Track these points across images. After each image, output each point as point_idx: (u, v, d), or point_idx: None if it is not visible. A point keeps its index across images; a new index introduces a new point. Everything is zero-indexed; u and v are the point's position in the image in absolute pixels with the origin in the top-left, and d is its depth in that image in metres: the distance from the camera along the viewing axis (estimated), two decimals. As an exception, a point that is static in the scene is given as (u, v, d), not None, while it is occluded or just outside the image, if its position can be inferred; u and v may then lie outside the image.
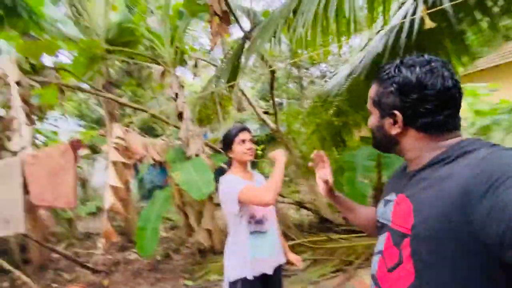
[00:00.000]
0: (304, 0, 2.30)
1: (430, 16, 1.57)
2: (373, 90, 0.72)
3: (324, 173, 0.94)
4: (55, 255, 3.47)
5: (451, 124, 0.63)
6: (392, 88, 0.65)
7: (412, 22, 2.39)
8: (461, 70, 2.95)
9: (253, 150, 1.39)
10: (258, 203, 1.27)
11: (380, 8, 2.35)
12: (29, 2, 2.88)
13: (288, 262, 1.50)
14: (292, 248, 1.99)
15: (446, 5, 1.60)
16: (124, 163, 1.87)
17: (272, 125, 4.13)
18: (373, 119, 0.73)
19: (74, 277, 3.22)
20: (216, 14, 2.70)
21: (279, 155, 1.31)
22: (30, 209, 1.96)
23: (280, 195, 4.24)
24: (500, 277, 0.51)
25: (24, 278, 2.78)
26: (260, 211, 1.37)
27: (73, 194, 1.71)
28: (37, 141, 3.93)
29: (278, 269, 1.42)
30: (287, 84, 10.37)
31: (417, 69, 0.62)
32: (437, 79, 0.61)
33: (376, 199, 3.49)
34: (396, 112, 0.65)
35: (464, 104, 0.69)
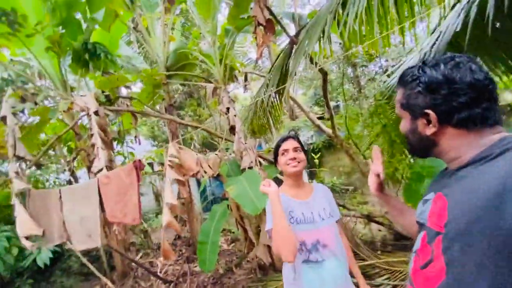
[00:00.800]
0: (354, -12, 2.05)
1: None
2: (399, 94, 0.71)
3: (377, 167, 0.91)
4: (134, 264, 3.86)
5: (491, 118, 0.61)
6: (420, 88, 0.64)
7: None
8: None
9: (298, 160, 1.22)
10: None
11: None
12: (107, 45, 3.43)
13: None
14: (363, 270, 1.69)
15: None
16: (179, 180, 1.93)
17: (328, 130, 3.81)
18: (405, 123, 0.72)
19: (149, 285, 3.51)
20: (260, 24, 2.67)
21: (266, 189, 1.08)
22: (109, 224, 2.19)
23: (345, 207, 3.83)
24: None
25: (110, 284, 3.15)
26: (312, 236, 1.15)
27: (138, 211, 1.84)
28: (118, 162, 4.57)
29: None
30: (343, 86, 9.73)
31: (441, 66, 0.61)
32: (465, 72, 0.60)
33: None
34: (428, 111, 0.63)
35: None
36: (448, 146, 0.65)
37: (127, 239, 3.54)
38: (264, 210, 2.22)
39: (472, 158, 0.60)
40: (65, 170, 4.66)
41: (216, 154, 2.45)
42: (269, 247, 2.85)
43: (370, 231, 3.63)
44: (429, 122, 0.65)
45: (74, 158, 3.89)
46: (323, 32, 2.32)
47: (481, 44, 2.52)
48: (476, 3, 2.24)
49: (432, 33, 3.09)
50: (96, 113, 2.31)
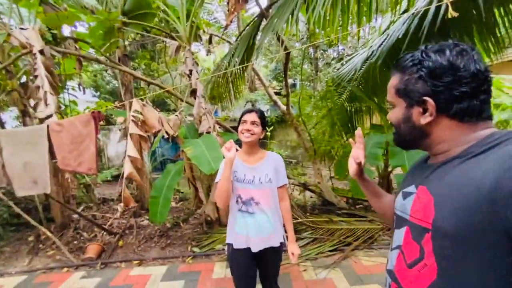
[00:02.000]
0: (326, -21, 2.21)
1: (458, 2, 1.50)
2: (395, 79, 0.66)
3: (358, 153, 0.88)
4: (75, 216, 3.77)
5: (486, 112, 0.59)
6: (422, 73, 0.60)
7: (438, 8, 2.28)
8: (487, 61, 2.83)
9: (252, 133, 1.41)
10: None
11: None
12: (49, -31, 2.90)
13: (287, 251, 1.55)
14: (294, 227, 2.11)
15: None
16: (141, 136, 1.98)
17: (283, 106, 4.13)
18: (397, 111, 0.67)
19: (92, 236, 3.53)
20: (233, -11, 2.64)
21: (226, 153, 1.33)
22: (55, 172, 2.12)
23: (287, 176, 4.35)
24: None
25: (48, 233, 3.08)
26: (247, 193, 1.43)
27: (95, 161, 1.85)
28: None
29: (272, 251, 1.47)
30: (302, 65, 10.13)
31: (447, 52, 0.58)
32: (469, 61, 0.57)
33: (381, 186, 3.55)
34: (427, 98, 0.59)
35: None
36: (440, 138, 0.62)
37: (70, 189, 3.39)
38: (216, 172, 2.45)
39: (460, 152, 0.58)
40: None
41: (176, 115, 2.50)
42: (216, 204, 3.15)
43: (304, 197, 4.27)
44: (425, 110, 0.61)
45: (1, 98, 3.38)
46: (292, 13, 2.47)
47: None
48: (418, 16, 2.67)
49: (382, 33, 3.52)
50: (41, 52, 2.06)
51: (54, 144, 1.85)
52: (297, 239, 3.06)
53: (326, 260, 2.76)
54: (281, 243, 1.51)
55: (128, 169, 1.79)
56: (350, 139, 0.94)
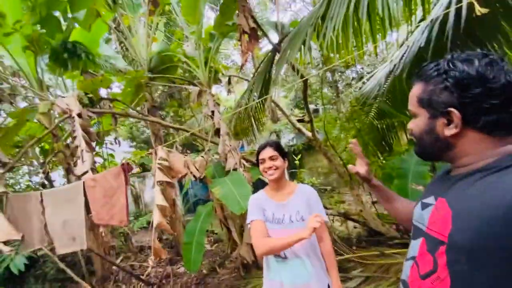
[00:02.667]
0: (333, 5, 2.24)
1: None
2: (418, 89, 0.64)
3: (357, 163, 0.90)
4: (114, 268, 3.80)
5: None
6: (448, 84, 0.57)
7: (458, 9, 2.14)
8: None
9: (274, 168, 1.32)
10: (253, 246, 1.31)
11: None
12: (87, 44, 3.36)
13: None
14: (340, 264, 1.85)
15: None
16: (168, 183, 1.99)
17: (308, 133, 4.02)
18: (420, 122, 0.65)
19: (131, 288, 3.47)
20: (244, 32, 2.79)
21: (311, 225, 1.12)
22: (92, 227, 2.18)
23: (323, 206, 4.05)
24: None
25: (90, 288, 3.09)
26: (277, 235, 1.29)
27: (125, 213, 1.87)
28: (97, 163, 4.45)
29: None
30: (321, 90, 10.13)
31: (476, 62, 0.55)
32: (499, 72, 0.54)
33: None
34: (453, 109, 0.57)
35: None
36: (466, 151, 0.59)
37: (107, 242, 3.48)
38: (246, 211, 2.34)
39: (482, 166, 0.56)
40: (38, 172, 4.46)
41: (202, 156, 2.52)
42: (252, 246, 2.96)
43: (347, 228, 3.88)
44: (449, 122, 0.59)
45: (49, 160, 3.75)
46: (304, 42, 2.50)
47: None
48: (438, 23, 2.54)
49: (401, 46, 3.40)
50: (79, 115, 2.29)
51: (89, 199, 1.93)
52: (346, 279, 2.68)
53: (385, 305, 2.34)
54: None
55: (157, 218, 1.77)
56: (354, 151, 0.93)
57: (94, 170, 2.24)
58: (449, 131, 0.59)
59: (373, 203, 4.52)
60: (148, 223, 5.71)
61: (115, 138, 4.26)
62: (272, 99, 4.28)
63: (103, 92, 4.17)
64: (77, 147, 2.28)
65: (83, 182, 1.95)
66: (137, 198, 8.31)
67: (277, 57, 3.42)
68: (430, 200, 0.65)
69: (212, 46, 3.45)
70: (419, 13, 2.62)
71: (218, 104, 3.35)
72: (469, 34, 2.37)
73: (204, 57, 3.53)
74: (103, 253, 3.41)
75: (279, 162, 1.33)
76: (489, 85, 0.54)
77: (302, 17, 3.15)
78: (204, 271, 3.63)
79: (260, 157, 1.35)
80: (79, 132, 2.18)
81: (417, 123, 0.65)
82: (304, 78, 3.28)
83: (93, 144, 2.47)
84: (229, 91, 4.83)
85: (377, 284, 2.60)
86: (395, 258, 2.92)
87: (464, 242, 0.52)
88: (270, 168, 1.31)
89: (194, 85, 3.62)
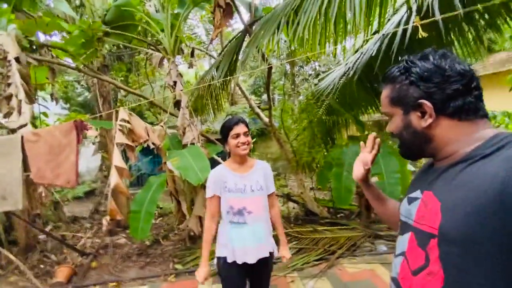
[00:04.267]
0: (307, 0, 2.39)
1: (422, 24, 1.71)
2: (387, 91, 0.67)
3: (367, 158, 0.85)
4: (41, 237, 3.44)
5: (482, 109, 0.60)
6: (412, 78, 0.61)
7: (405, 30, 2.55)
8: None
9: (247, 143, 1.42)
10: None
11: (377, 12, 2.48)
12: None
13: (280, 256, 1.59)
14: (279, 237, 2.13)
15: (438, 17, 1.74)
16: (128, 145, 1.91)
17: (266, 119, 4.23)
18: (396, 120, 0.66)
19: (62, 258, 3.23)
20: (219, 5, 2.74)
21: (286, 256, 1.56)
22: (27, 187, 1.96)
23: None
24: None
25: (11, 257, 2.77)
26: (238, 202, 1.42)
27: (75, 173, 1.74)
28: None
29: (265, 260, 1.45)
30: (280, 81, 10.51)
31: (430, 57, 0.61)
32: (452, 62, 0.60)
33: (360, 194, 3.70)
34: (423, 101, 0.60)
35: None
36: (444, 140, 0.61)
37: (34, 209, 3.11)
38: (200, 183, 2.40)
39: (465, 155, 0.57)
40: None
41: (161, 125, 2.45)
42: (200, 218, 3.08)
43: (287, 208, 4.31)
44: (423, 114, 0.61)
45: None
46: (275, 32, 2.61)
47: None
48: (388, 37, 2.95)
49: (356, 52, 3.82)
50: (17, 59, 1.95)
51: (28, 156, 1.71)
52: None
53: (312, 270, 2.78)
54: (271, 253, 1.50)
55: (115, 179, 1.71)
56: (362, 142, 0.90)
57: (31, 125, 1.99)
58: (425, 122, 0.61)
59: (312, 188, 5.08)
60: (85, 193, 5.24)
61: (52, 95, 3.71)
62: (236, 82, 4.32)
63: (41, 39, 3.54)
64: (11, 96, 1.97)
65: (22, 136, 1.72)
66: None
67: (246, 39, 3.45)
68: (416, 194, 0.66)
69: (182, 12, 3.26)
70: (375, 25, 3.00)
71: (181, 76, 3.24)
72: (410, 51, 2.83)
73: (171, 22, 3.32)
74: (28, 219, 3.05)
75: (249, 138, 1.45)
76: (447, 74, 0.58)
77: (277, 5, 3.23)
78: (147, 243, 3.60)
79: (234, 132, 1.40)
80: (16, 79, 1.87)
81: (394, 123, 0.67)
82: (270, 66, 3.41)
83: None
84: (191, 65, 4.66)
85: (307, 254, 3.04)
86: (324, 234, 3.43)
87: (456, 233, 0.52)
88: (244, 143, 1.41)
89: (156, 50, 3.39)
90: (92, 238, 3.71)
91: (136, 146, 2.09)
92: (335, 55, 3.11)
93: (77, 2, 5.03)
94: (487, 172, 0.51)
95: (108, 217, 1.75)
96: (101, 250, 3.47)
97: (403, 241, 0.66)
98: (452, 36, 2.98)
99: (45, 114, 3.82)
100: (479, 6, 1.97)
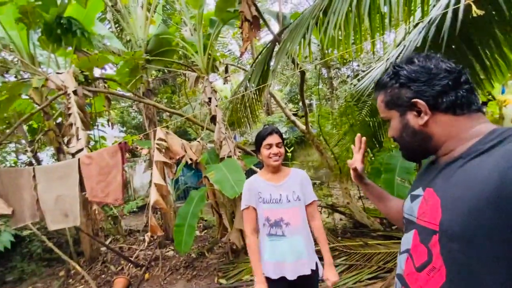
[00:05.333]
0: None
1: (476, 3, 1.44)
2: (380, 96, 0.70)
3: (354, 158, 0.92)
4: (103, 249, 3.81)
5: (476, 103, 0.61)
6: (402, 80, 0.64)
7: (455, 11, 2.21)
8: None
9: (280, 155, 1.36)
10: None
11: (418, 0, 2.22)
12: (81, 21, 3.27)
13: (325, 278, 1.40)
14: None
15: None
16: (166, 163, 2.01)
17: (302, 126, 4.09)
18: (395, 123, 0.68)
19: (119, 269, 3.51)
20: (246, 19, 2.79)
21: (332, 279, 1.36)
22: (84, 205, 2.18)
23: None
24: None
25: (78, 268, 3.10)
26: (275, 214, 1.34)
27: (121, 191, 1.88)
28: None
29: (307, 278, 1.34)
30: (317, 85, 10.21)
31: (415, 60, 0.64)
32: (437, 61, 0.62)
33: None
34: (416, 99, 0.62)
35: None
36: (443, 136, 0.62)
37: (97, 223, 3.47)
38: (239, 196, 2.39)
39: (464, 151, 0.58)
40: (26, 150, 4.35)
41: (198, 141, 2.54)
42: (242, 231, 3.05)
43: (333, 220, 4.02)
44: (418, 112, 0.63)
45: (38, 139, 3.67)
46: (305, 36, 2.53)
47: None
48: (435, 24, 2.61)
49: (398, 45, 3.48)
50: (75, 92, 2.25)
51: (84, 177, 1.93)
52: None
53: (366, 290, 2.48)
54: (312, 270, 1.36)
55: (154, 196, 1.80)
56: (352, 145, 0.94)
57: (88, 149, 2.23)
58: (422, 120, 0.63)
59: (360, 197, 4.68)
60: (139, 207, 5.71)
61: (108, 120, 4.19)
62: (269, 91, 4.31)
63: (96, 73, 4.08)
64: (71, 125, 2.26)
65: (78, 159, 1.94)
66: (126, 183, 8.25)
67: (276, 48, 3.43)
68: (418, 191, 0.67)
69: (212, 32, 3.42)
70: (417, 14, 2.69)
71: (215, 92, 3.35)
72: (464, 38, 2.46)
73: (203, 43, 3.50)
74: (92, 233, 3.41)
75: (283, 149, 1.39)
76: (433, 72, 0.61)
77: (304, 9, 3.16)
78: (193, 255, 3.69)
79: (267, 142, 1.36)
80: (74, 110, 2.15)
81: (393, 126, 0.69)
82: (301, 69, 3.32)
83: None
84: (225, 80, 4.82)
85: (359, 271, 2.74)
86: (377, 249, 3.07)
87: (456, 229, 0.53)
88: (276, 154, 1.36)
89: (192, 70, 3.59)
90: (145, 251, 3.97)
91: (175, 163, 2.19)
92: (373, 51, 2.87)
93: (128, 38, 5.72)
94: (485, 168, 0.51)
95: (149, 233, 1.83)
96: (152, 262, 3.68)
97: (408, 239, 0.67)
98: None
99: (103, 138, 4.31)
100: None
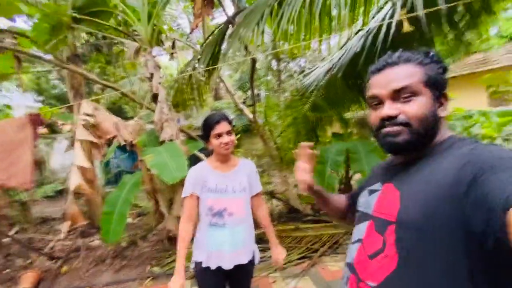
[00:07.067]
0: (291, -8, 2.29)
1: (406, 21, 1.67)
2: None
3: (304, 171, 0.85)
4: (6, 240, 3.17)
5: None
6: (442, 69, 0.64)
7: (388, 26, 2.51)
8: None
9: (231, 143, 1.32)
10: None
11: (361, 9, 2.43)
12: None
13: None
14: (261, 236, 2.05)
15: (421, 12, 1.71)
16: (92, 142, 1.73)
17: (250, 115, 4.12)
18: (424, 102, 0.61)
19: (28, 263, 2.99)
20: (200, -7, 2.59)
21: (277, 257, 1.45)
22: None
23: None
24: (486, 268, 0.49)
25: (-33, 264, 2.51)
26: (219, 204, 1.33)
27: (30, 174, 1.55)
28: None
29: (243, 267, 1.36)
30: (266, 76, 10.39)
31: (431, 52, 0.66)
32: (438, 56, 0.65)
33: (343, 191, 3.71)
34: (446, 93, 0.63)
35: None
36: (439, 132, 0.64)
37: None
38: (179, 182, 2.28)
39: (427, 151, 0.62)
40: None
41: (136, 120, 2.28)
42: (179, 218, 2.94)
43: (271, 205, 4.25)
44: (441, 104, 0.64)
45: None
46: (259, 24, 2.50)
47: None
48: (372, 34, 2.91)
49: (341, 48, 3.78)
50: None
51: (-24, 153, 1.51)
52: (265, 249, 2.98)
53: (295, 269, 2.73)
54: (250, 261, 1.40)
55: (75, 180, 1.54)
56: (296, 151, 0.87)
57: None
58: (443, 113, 0.63)
59: (296, 185, 5.06)
60: (57, 191, 4.92)
61: (18, 86, 3.39)
62: (219, 75, 4.16)
63: (4, 24, 3.22)
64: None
65: (-33, 130, 1.51)
66: (40, 163, 6.96)
67: (229, 31, 3.31)
68: (377, 186, 0.69)
69: (159, 1, 3.06)
70: (360, 22, 2.95)
71: (159, 67, 3.05)
72: (394, 49, 2.81)
73: (148, 11, 3.12)
74: (-12, 222, 2.78)
75: (233, 136, 1.34)
76: (444, 66, 0.64)
77: (260, -4, 3.10)
78: (123, 244, 3.41)
79: (216, 132, 1.29)
80: (-38, 66, 1.64)
81: (421, 104, 0.61)
82: (253, 56, 3.30)
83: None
84: (171, 56, 4.44)
85: (290, 252, 2.99)
86: (307, 232, 3.40)
87: (411, 220, 0.55)
88: (227, 143, 1.30)
89: (133, 40, 3.18)
90: (63, 241, 3.47)
91: (106, 144, 1.92)
92: (320, 51, 3.03)
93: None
94: (441, 168, 0.56)
95: (68, 222, 1.58)
96: (72, 254, 3.25)
97: (360, 229, 0.69)
98: (434, 34, 2.99)
99: (8, 107, 3.50)
100: (461, 2, 1.96)
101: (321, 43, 2.63)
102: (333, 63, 3.60)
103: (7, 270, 2.85)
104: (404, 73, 0.63)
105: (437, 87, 0.63)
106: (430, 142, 0.63)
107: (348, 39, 3.62)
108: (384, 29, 2.51)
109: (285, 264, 2.81)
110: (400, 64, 0.64)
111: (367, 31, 2.94)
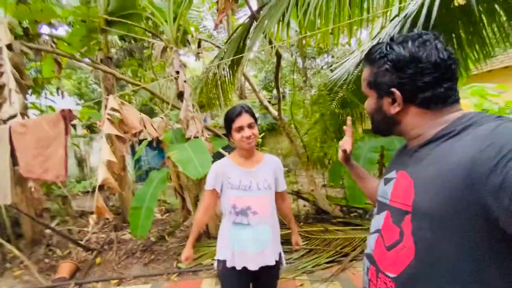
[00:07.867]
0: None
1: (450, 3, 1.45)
2: (366, 72, 0.70)
3: (345, 141, 0.97)
4: (47, 231, 3.43)
5: (452, 97, 0.61)
6: (387, 66, 0.63)
7: (429, 10, 2.25)
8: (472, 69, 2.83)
9: (253, 137, 1.24)
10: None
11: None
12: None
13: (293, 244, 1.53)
14: (286, 237, 1.95)
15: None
16: (119, 137, 1.77)
17: (275, 113, 4.02)
18: (371, 102, 0.71)
19: (67, 253, 3.19)
20: (223, -12, 2.55)
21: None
22: (19, 181, 1.87)
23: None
24: (506, 254, 0.49)
25: (16, 252, 2.74)
26: (242, 202, 1.26)
27: (64, 167, 1.62)
28: (33, 116, 3.81)
29: (269, 269, 1.31)
30: (291, 75, 10.19)
31: (409, 43, 0.61)
32: (431, 51, 0.59)
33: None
34: (394, 90, 0.63)
35: (470, 103, 0.73)
36: (411, 125, 0.65)
37: (39, 202, 3.08)
38: (204, 179, 2.26)
39: (434, 135, 0.60)
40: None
41: (161, 117, 2.31)
42: (205, 215, 2.93)
43: (297, 206, 4.10)
44: (394, 101, 0.64)
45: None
46: (283, 16, 2.39)
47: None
48: (410, 18, 2.65)
49: (373, 39, 3.51)
50: (9, 47, 1.85)
51: (16, 148, 1.61)
52: (291, 251, 2.86)
53: (324, 273, 2.57)
54: (277, 261, 1.33)
55: (103, 174, 1.57)
56: (345, 126, 0.98)
57: (24, 116, 1.89)
58: (394, 109, 0.65)
59: (324, 185, 4.84)
60: (93, 188, 5.26)
61: (58, 89, 3.66)
62: (244, 73, 4.12)
63: (45, 31, 3.50)
64: (2, 86, 1.88)
65: (10, 127, 1.62)
66: (81, 162, 7.54)
67: (253, 26, 3.24)
68: (392, 174, 0.69)
69: (184, 1, 3.10)
70: (394, 9, 2.71)
71: (185, 66, 3.08)
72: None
73: (173, 11, 3.17)
74: (33, 214, 3.02)
75: (256, 129, 1.26)
76: (420, 65, 0.59)
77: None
78: (152, 239, 3.51)
79: (237, 124, 1.22)
80: (7, 68, 1.77)
81: (369, 103, 0.71)
82: (278, 52, 3.19)
83: (26, 86, 2.06)
84: (197, 56, 4.51)
85: (318, 255, 2.83)
86: (336, 234, 3.21)
87: (427, 208, 0.54)
88: (249, 137, 1.23)
89: (160, 40, 3.25)
90: (98, 234, 3.67)
91: (133, 140, 1.96)
92: (350, 43, 2.84)
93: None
94: (456, 151, 0.53)
95: (94, 216, 1.62)
96: (106, 246, 3.42)
97: (379, 220, 0.69)
98: (483, 17, 2.62)
99: (51, 109, 3.79)
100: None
101: (352, 34, 2.44)
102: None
103: (47, 260, 3.06)
104: (363, 77, 0.71)
105: (378, 87, 0.66)
106: (396, 131, 0.68)
107: (382, 27, 3.36)
108: (424, 10, 2.26)
109: (313, 267, 2.67)
110: (365, 64, 0.70)
111: (405, 16, 2.68)
